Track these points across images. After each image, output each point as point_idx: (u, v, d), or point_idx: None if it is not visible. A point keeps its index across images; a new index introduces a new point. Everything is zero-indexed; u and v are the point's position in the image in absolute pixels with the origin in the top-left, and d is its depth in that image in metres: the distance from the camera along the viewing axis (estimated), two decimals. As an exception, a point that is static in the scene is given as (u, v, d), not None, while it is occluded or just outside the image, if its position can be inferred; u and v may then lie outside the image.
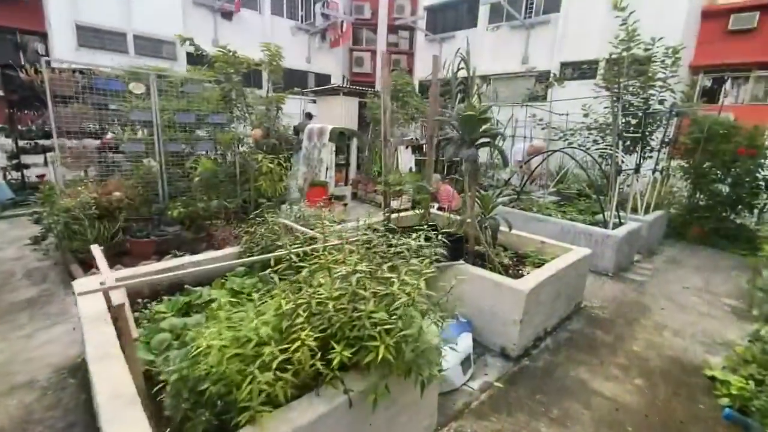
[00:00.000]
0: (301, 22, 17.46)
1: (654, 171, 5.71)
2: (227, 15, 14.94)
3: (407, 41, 21.36)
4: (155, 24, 13.15)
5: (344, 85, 8.90)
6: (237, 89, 5.05)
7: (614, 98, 4.58)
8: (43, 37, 12.65)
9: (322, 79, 18.25)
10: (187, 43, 5.55)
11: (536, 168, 6.09)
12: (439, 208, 7.44)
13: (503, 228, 3.41)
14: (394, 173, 3.89)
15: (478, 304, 2.86)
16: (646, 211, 5.99)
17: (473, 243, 3.19)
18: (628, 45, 6.82)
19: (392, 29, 21.42)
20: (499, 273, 3.03)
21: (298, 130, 6.91)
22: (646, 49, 6.73)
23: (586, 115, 7.79)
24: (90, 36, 12.62)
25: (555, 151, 5.79)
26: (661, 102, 6.99)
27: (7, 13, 12.41)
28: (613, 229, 4.63)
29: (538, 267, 3.36)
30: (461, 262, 2.97)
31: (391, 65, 18.86)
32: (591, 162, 5.88)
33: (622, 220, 5.03)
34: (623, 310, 3.65)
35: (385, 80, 3.92)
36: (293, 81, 16.08)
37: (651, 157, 6.81)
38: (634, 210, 6.05)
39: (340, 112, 9.17)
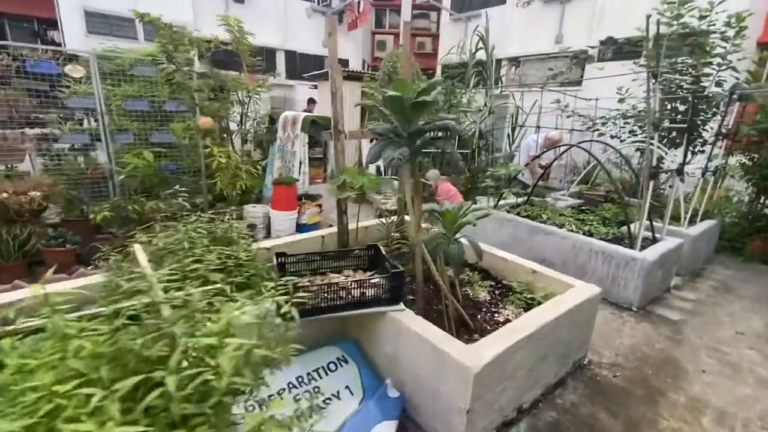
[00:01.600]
0: (317, 3, 16.60)
1: (705, 170, 4.47)
2: (239, -2, 14.34)
3: (436, 24, 20.05)
4: (164, 9, 12.71)
5: (346, 69, 8.05)
6: (181, 71, 4.33)
7: (652, 75, 3.43)
8: (55, 24, 12.60)
9: (343, 65, 17.39)
10: (144, 19, 4.87)
11: (550, 164, 4.98)
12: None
13: (481, 251, 2.47)
14: (352, 172, 3.03)
15: (415, 371, 1.99)
16: (692, 221, 4.76)
17: (421, 278, 2.29)
18: (678, 11, 5.50)
19: (418, 11, 20.20)
20: (450, 328, 2.13)
21: (273, 119, 6.16)
22: (702, 16, 5.37)
23: (621, 101, 6.50)
24: (98, 22, 12.44)
25: (572, 146, 4.67)
26: (719, 84, 5.61)
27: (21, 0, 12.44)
28: (641, 249, 3.54)
29: (526, 309, 2.43)
30: (399, 306, 2.09)
31: (414, 48, 17.59)
32: (624, 157, 4.71)
33: (657, 235, 3.90)
34: (645, 372, 2.63)
35: (332, 54, 3.03)
36: (308, 66, 15.36)
37: (703, 151, 5.49)
38: (676, 219, 4.84)
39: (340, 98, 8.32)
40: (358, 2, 15.76)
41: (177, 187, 2.96)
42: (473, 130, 8.24)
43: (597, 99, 6.61)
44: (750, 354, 2.92)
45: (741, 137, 5.35)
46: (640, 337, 3.05)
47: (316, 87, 10.07)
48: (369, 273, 2.45)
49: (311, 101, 9.69)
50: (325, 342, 2.20)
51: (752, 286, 4.30)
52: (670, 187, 5.64)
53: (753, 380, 2.61)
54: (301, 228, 5.00)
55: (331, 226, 5.65)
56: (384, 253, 2.44)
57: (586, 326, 2.53)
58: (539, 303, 2.50)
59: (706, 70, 5.72)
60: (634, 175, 4.01)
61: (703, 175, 4.41)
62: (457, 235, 2.48)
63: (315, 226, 5.07)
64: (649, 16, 3.90)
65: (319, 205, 5.07)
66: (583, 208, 5.37)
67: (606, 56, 12.03)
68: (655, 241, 3.89)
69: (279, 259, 2.29)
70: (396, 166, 1.70)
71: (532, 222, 4.22)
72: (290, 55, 16.02)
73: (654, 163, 6.37)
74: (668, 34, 5.76)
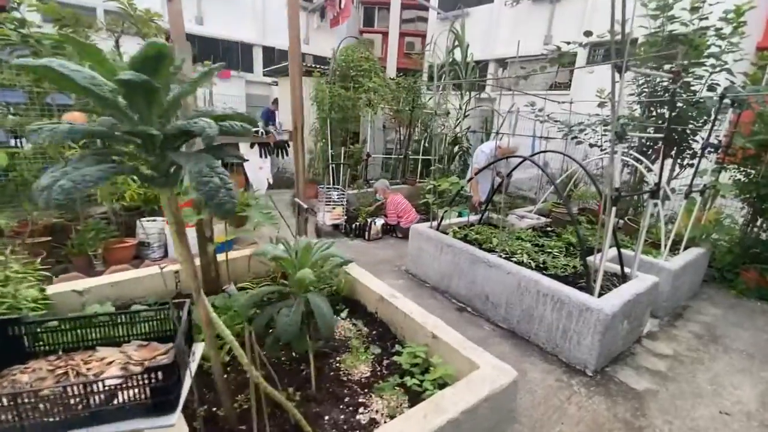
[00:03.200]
0: (298, -2, 15.82)
1: (690, 189, 3.69)
2: (212, -11, 13.55)
3: (426, 23, 19.38)
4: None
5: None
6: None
7: (617, 70, 2.63)
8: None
9: (323, 63, 16.62)
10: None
11: (502, 182, 4.18)
12: (386, 226, 5.70)
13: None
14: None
15: None
16: (675, 249, 3.98)
17: (219, 366, 1.49)
18: (665, 1, 4.75)
19: (408, 10, 19.55)
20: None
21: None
22: (694, 7, 4.62)
23: (601, 105, 5.73)
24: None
25: (524, 158, 3.88)
26: (712, 88, 4.86)
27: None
28: (602, 292, 2.75)
29: (411, 401, 1.64)
30: (167, 419, 1.29)
31: (404, 48, 16.83)
32: (588, 173, 3.94)
33: (628, 269, 3.11)
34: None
35: (175, 27, 2.25)
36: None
37: (692, 165, 4.72)
38: (657, 246, 4.06)
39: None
40: (340, -3, 14.99)
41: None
42: (444, 134, 7.47)
43: (571, 102, 5.82)
44: (737, 452, 2.12)
45: (735, 150, 4.58)
46: (589, 421, 2.25)
47: (276, 83, 9.30)
48: (167, 346, 1.65)
49: (276, 101, 8.94)
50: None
51: (744, 331, 3.51)
52: (654, 206, 4.89)
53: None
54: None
55: (253, 243, 4.87)
56: (190, 315, 1.63)
57: (496, 426, 1.73)
58: (426, 391, 1.71)
59: (698, 71, 4.97)
60: (598, 194, 3.22)
61: (687, 195, 3.62)
62: (311, 292, 1.70)
63: (228, 245, 4.26)
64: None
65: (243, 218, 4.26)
66: (549, 229, 4.58)
67: (596, 58, 11.32)
68: (624, 279, 3.10)
69: (14, 330, 1.48)
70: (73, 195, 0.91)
71: (474, 249, 3.42)
72: (268, 52, 15.24)
73: (633, 179, 5.62)
74: (653, 30, 5.01)
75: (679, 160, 5.38)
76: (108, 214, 3.94)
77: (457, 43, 9.95)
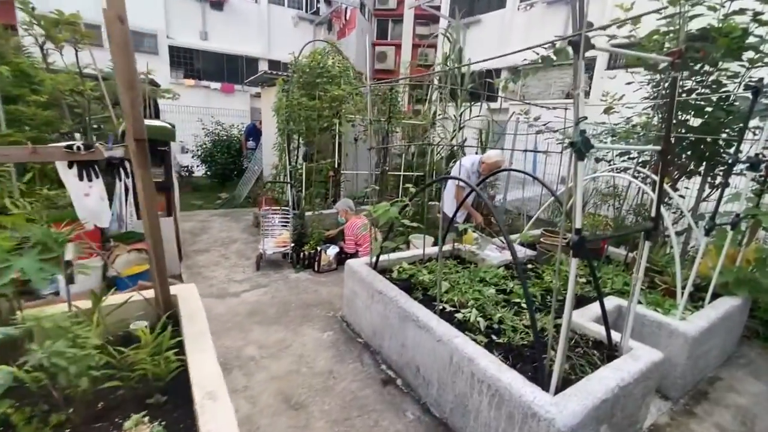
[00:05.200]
0: (305, 11, 15.61)
1: (713, 221, 2.67)
2: (217, 5, 13.52)
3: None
4: (133, 15, 11.98)
5: (274, 72, 6.70)
6: None
7: (572, 46, 1.74)
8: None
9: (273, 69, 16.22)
10: None
11: (473, 199, 3.29)
12: (342, 253, 4.88)
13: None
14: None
15: None
16: (698, 299, 2.96)
17: None
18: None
19: (421, 20, 19.10)
20: None
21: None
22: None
23: (608, 110, 4.74)
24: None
25: (503, 170, 2.98)
26: (750, 88, 3.80)
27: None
28: (562, 385, 1.82)
29: None
30: None
31: (417, 58, 16.35)
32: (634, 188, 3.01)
33: (618, 339, 2.17)
34: None
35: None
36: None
37: (727, 185, 3.64)
38: (671, 293, 3.03)
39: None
40: (345, 8, 14.64)
41: None
42: (431, 146, 6.63)
43: (566, 109, 4.87)
44: None
45: (783, 166, 3.48)
46: None
47: (259, 95, 8.82)
48: None
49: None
50: None
51: (802, 427, 2.43)
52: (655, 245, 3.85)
53: None
54: (117, 282, 3.55)
55: (173, 277, 4.19)
56: None
57: None
58: None
59: (732, 66, 3.94)
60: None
61: (708, 233, 2.61)
62: None
63: (142, 277, 3.60)
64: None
65: (140, 250, 3.60)
66: (531, 265, 3.63)
67: (619, 63, 10.20)
68: (611, 351, 2.15)
69: None
70: None
71: (405, 300, 2.55)
72: (274, 65, 15.01)
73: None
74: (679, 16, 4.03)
75: (709, 179, 4.33)
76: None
77: (452, 50, 9.21)
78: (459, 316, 2.48)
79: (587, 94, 10.86)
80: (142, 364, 1.60)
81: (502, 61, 13.09)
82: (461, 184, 3.87)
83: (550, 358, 1.89)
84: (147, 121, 3.84)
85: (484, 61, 2.79)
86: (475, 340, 2.18)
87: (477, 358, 1.97)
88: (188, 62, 13.70)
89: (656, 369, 2.12)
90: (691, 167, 4.42)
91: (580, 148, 1.57)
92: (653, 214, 2.01)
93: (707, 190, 4.39)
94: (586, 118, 1.60)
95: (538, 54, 3.65)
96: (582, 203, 1.60)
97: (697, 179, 4.48)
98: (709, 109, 3.97)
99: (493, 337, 2.30)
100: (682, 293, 2.84)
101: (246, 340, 2.91)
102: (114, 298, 2.06)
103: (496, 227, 5.66)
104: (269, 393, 2.38)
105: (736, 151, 2.66)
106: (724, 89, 3.99)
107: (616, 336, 2.25)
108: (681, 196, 4.59)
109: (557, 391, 1.76)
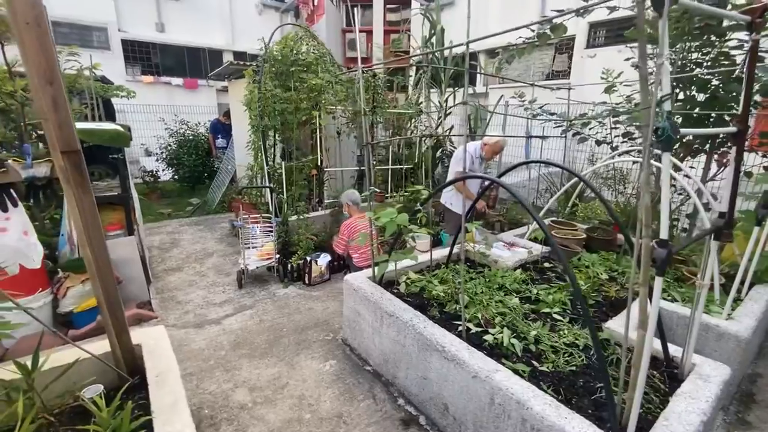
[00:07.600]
0: (269, -2, 14.70)
1: (765, 209, 2.39)
2: (172, -7, 12.46)
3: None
4: (79, 8, 10.91)
5: (242, 62, 6.07)
6: None
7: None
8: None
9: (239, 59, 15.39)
10: None
11: (484, 194, 2.91)
12: (333, 261, 4.42)
13: None
14: None
15: None
16: (736, 301, 2.69)
17: None
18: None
19: (393, 5, 18.42)
20: None
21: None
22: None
23: (609, 89, 4.43)
24: (-4, 24, 10.62)
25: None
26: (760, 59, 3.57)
27: None
28: (640, 425, 1.48)
29: None
30: None
31: (389, 45, 15.65)
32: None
33: (677, 353, 1.85)
34: None
35: None
36: (257, 69, 13.44)
37: (738, 161, 3.40)
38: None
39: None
40: (312, -6, 13.84)
41: None
42: (417, 136, 6.22)
43: (570, 89, 4.54)
44: None
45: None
46: None
47: (226, 89, 8.13)
48: None
49: (227, 113, 7.78)
50: None
51: None
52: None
53: None
54: (74, 319, 2.99)
55: (141, 305, 3.64)
56: None
57: None
58: None
59: (736, 34, 3.69)
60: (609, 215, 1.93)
61: (760, 221, 2.31)
62: None
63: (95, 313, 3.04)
64: None
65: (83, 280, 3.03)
66: (549, 264, 3.29)
67: (598, 41, 10.01)
68: (669, 369, 1.83)
69: None
70: None
71: (425, 326, 2.15)
72: (239, 57, 14.11)
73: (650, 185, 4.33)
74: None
75: (716, 157, 4.13)
76: None
77: (433, 31, 8.77)
78: (489, 338, 2.10)
79: (567, 74, 10.67)
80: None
81: (478, 45, 12.74)
82: (458, 170, 3.47)
83: (614, 390, 1.54)
84: (93, 125, 3.23)
85: (476, 40, 2.37)
86: (516, 371, 1.81)
87: (529, 401, 1.59)
88: (145, 57, 12.65)
89: (726, 389, 1.82)
90: (697, 145, 4.20)
91: (670, 135, 1.18)
92: (724, 208, 1.67)
93: (713, 169, 4.20)
94: (670, 96, 1.22)
95: (533, 31, 3.23)
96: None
97: (702, 158, 4.29)
98: (716, 82, 3.74)
99: (534, 363, 1.94)
100: (723, 288, 2.58)
101: (233, 381, 2.45)
102: (57, 357, 1.56)
103: (504, 220, 5.33)
104: (269, 452, 1.95)
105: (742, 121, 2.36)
106: (730, 57, 3.74)
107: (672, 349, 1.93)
108: (686, 176, 4.38)
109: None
